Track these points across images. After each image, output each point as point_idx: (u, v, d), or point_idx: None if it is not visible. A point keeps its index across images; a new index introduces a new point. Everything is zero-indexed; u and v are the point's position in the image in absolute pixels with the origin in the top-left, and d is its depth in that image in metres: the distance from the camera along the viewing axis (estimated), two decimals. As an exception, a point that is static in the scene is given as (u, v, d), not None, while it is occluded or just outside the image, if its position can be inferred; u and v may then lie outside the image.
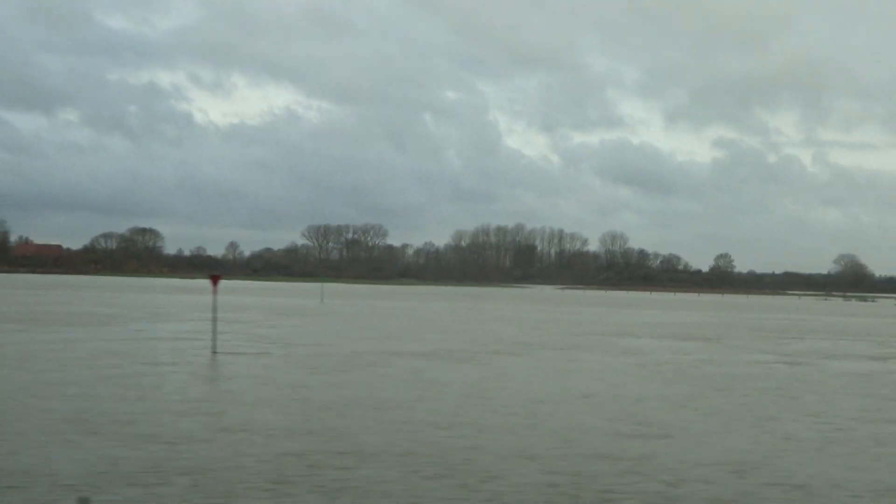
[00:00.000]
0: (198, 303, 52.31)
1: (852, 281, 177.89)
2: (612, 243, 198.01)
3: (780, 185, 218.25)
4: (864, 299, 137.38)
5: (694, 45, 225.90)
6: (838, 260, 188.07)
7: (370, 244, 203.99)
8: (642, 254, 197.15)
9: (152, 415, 13.08)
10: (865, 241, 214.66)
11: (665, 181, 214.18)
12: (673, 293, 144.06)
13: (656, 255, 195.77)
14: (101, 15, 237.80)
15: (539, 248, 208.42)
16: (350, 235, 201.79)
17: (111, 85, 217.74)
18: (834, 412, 15.34)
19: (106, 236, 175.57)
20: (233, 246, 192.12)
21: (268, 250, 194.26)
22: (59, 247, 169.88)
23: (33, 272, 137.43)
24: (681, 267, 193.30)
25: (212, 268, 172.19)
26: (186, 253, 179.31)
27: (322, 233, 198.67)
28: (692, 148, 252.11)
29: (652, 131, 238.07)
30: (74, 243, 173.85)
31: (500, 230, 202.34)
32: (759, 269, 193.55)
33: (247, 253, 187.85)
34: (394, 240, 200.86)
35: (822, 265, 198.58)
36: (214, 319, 24.15)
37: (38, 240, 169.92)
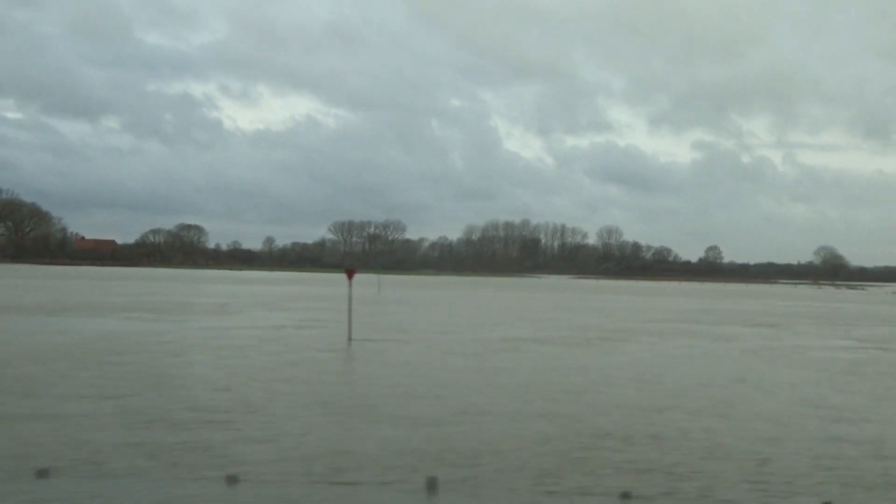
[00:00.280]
0: (278, 292, 52.34)
1: (831, 271, 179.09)
2: (609, 237, 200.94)
3: (753, 183, 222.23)
4: (853, 287, 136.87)
5: (675, 56, 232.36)
6: (818, 251, 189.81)
7: (390, 238, 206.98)
8: (636, 246, 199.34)
9: (381, 398, 12.99)
10: (830, 233, 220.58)
11: (649, 180, 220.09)
12: (677, 282, 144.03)
13: (648, 248, 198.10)
14: (140, 32, 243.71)
15: (543, 242, 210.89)
16: (372, 230, 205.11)
17: (149, 95, 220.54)
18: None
19: (154, 231, 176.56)
20: (269, 240, 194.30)
21: (295, 244, 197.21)
22: (112, 241, 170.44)
23: (93, 264, 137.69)
24: (671, 258, 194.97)
25: (250, 261, 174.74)
26: (223, 247, 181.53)
27: (346, 228, 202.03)
28: (673, 150, 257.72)
29: (637, 135, 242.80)
30: (116, 237, 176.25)
31: (508, 225, 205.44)
32: (737, 260, 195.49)
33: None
34: (407, 234, 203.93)
35: (793, 256, 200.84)
36: (350, 310, 24.07)
37: (84, 235, 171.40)
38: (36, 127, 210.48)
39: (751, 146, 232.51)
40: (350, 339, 22.46)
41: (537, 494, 7.91)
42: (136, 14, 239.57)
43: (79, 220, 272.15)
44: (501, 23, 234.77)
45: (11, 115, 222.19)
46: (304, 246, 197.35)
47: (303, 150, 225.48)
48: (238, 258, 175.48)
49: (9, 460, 8.63)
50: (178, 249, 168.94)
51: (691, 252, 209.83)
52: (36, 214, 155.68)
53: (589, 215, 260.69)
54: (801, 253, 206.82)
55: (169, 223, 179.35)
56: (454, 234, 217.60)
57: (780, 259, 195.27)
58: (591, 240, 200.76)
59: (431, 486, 8.33)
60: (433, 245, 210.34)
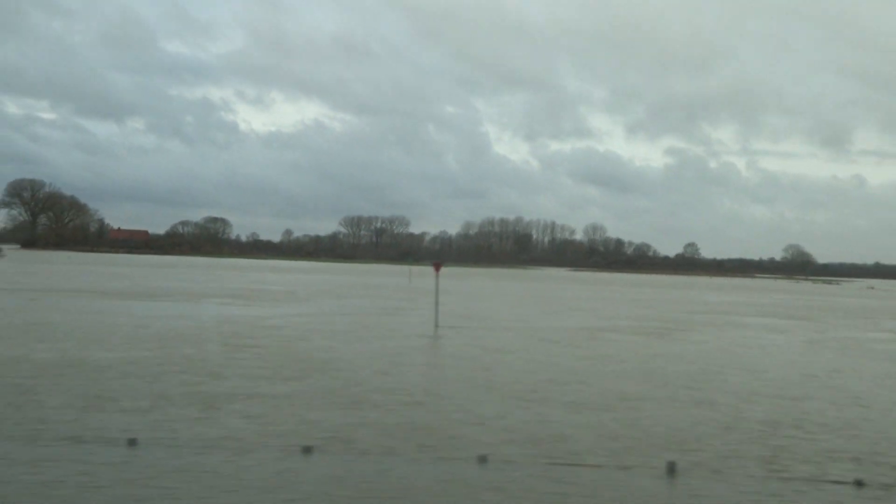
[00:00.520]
0: (324, 281, 52.14)
1: (799, 266, 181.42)
2: (594, 233, 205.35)
3: (719, 186, 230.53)
4: (829, 283, 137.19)
5: (650, 70, 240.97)
6: (787, 249, 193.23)
7: (395, 232, 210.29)
8: (619, 242, 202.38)
9: (533, 384, 12.90)
10: (789, 233, 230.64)
11: (625, 182, 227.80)
12: (664, 275, 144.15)
13: (630, 244, 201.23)
14: (164, 41, 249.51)
15: (535, 237, 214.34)
16: (379, 225, 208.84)
17: (171, 99, 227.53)
18: None
19: (183, 223, 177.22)
20: (288, 232, 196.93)
21: (311, 236, 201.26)
22: (145, 232, 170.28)
23: (129, 253, 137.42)
24: (651, 253, 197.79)
25: (271, 251, 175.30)
26: (242, 238, 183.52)
27: (356, 222, 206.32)
28: (648, 155, 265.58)
29: (615, 141, 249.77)
30: (143, 228, 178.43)
31: (503, 221, 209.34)
32: (706, 256, 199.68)
33: (279, 238, 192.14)
34: (410, 228, 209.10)
35: (755, 252, 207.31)
36: (437, 301, 23.90)
37: (112, 225, 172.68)
38: (69, 127, 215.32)
39: (718, 153, 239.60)
40: (437, 325, 22.36)
41: (772, 480, 7.84)
42: (160, 25, 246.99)
43: (107, 212, 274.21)
44: (493, 38, 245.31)
45: (46, 115, 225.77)
46: (318, 238, 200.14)
47: (311, 150, 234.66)
48: (260, 248, 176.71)
49: (273, 438, 8.56)
50: (206, 240, 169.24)
51: (666, 248, 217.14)
52: (74, 206, 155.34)
53: (570, 213, 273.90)
54: (764, 250, 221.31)
55: (188, 216, 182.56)
56: (449, 228, 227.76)
57: (746, 255, 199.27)
58: (578, 235, 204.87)
59: (671, 470, 8.31)
60: (434, 239, 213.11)
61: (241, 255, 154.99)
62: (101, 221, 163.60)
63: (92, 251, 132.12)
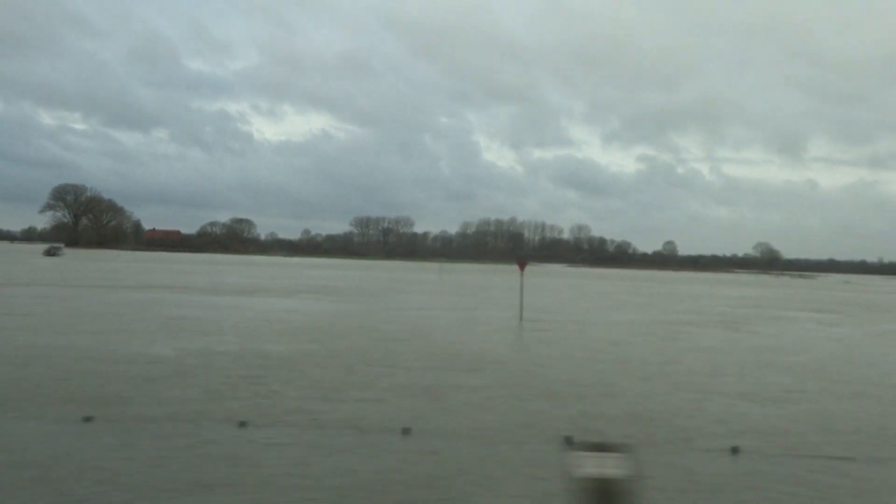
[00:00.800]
0: (375, 278, 51.65)
1: (768, 262, 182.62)
2: (580, 232, 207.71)
3: (686, 189, 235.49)
4: (805, 277, 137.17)
5: (624, 85, 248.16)
6: (756, 246, 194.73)
7: (400, 231, 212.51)
8: (602, 240, 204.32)
9: (671, 375, 12.62)
10: (750, 231, 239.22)
11: (601, 186, 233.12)
12: (650, 271, 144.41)
13: (612, 242, 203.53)
14: (186, 59, 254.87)
15: (526, 236, 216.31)
16: (386, 225, 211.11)
17: (192, 111, 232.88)
18: None
19: (211, 224, 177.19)
20: (306, 232, 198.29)
21: (319, 235, 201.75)
22: (178, 232, 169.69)
23: (166, 251, 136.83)
24: (631, 251, 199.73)
25: (292, 249, 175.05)
26: (261, 237, 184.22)
27: (364, 222, 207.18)
28: (622, 161, 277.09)
29: (592, 149, 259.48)
30: (166, 227, 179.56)
31: (498, 221, 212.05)
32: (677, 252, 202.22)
33: (291, 237, 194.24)
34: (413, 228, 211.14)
35: (720, 249, 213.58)
36: (521, 297, 23.61)
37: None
38: (98, 136, 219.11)
39: (685, 160, 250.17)
40: (521, 318, 22.09)
41: None
42: (182, 44, 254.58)
43: (134, 214, 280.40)
44: (483, 56, 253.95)
45: (78, 126, 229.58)
46: (333, 237, 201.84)
47: (319, 157, 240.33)
48: (282, 247, 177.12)
49: (526, 430, 8.25)
50: (234, 239, 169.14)
51: (642, 245, 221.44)
52: (112, 208, 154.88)
53: (553, 214, 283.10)
54: (729, 247, 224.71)
55: (208, 217, 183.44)
56: (444, 227, 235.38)
57: (716, 251, 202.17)
58: (566, 234, 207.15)
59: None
60: (435, 238, 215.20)
61: (264, 252, 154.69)
62: (136, 223, 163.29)
63: (133, 250, 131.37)
